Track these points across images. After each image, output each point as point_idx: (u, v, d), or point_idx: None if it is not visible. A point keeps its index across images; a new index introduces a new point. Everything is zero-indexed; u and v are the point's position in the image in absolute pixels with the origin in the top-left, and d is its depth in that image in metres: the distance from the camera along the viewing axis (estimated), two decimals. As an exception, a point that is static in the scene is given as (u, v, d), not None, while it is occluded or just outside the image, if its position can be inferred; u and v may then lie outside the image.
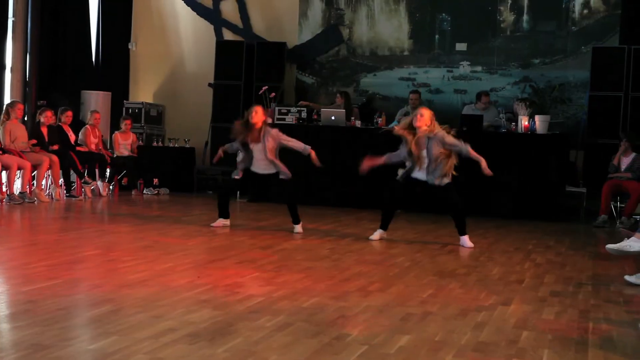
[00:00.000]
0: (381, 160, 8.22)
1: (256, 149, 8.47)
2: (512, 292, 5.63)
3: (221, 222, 8.68)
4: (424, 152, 7.84)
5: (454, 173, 7.89)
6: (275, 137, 8.49)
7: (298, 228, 8.59)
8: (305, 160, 11.70)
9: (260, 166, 8.52)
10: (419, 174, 7.93)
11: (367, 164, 8.28)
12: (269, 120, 8.85)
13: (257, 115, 8.47)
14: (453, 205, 8.01)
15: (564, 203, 11.29)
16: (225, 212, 8.72)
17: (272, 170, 8.52)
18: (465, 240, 7.95)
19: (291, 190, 8.77)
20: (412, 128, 7.88)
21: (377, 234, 8.19)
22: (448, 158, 7.80)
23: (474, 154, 7.81)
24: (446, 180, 7.84)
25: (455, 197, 7.96)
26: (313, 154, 8.59)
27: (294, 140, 8.67)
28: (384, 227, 8.23)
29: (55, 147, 11.19)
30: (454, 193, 7.96)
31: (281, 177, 8.50)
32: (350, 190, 11.58)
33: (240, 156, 8.68)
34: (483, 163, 7.76)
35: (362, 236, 8.40)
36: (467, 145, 7.83)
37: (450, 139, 7.79)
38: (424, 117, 7.83)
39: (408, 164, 7.99)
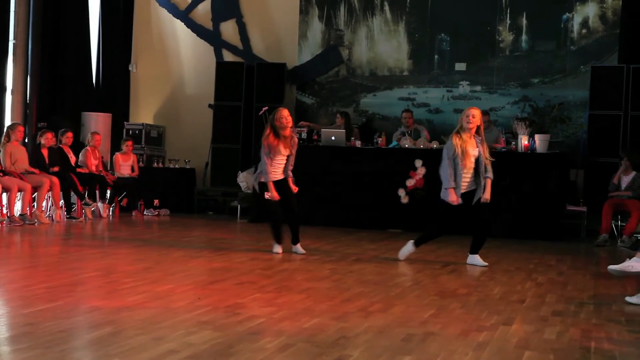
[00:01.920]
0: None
1: (280, 156, 8.35)
2: (513, 311, 5.61)
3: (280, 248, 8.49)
4: (475, 154, 7.76)
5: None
6: (294, 146, 8.44)
7: (301, 248, 8.52)
8: (302, 179, 11.77)
9: (275, 174, 8.38)
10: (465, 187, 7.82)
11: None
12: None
13: (289, 120, 8.35)
14: (486, 222, 8.10)
15: (565, 222, 11.29)
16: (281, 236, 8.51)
17: (283, 176, 8.40)
18: (479, 258, 8.03)
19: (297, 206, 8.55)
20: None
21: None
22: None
23: (488, 183, 7.89)
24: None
25: (489, 213, 8.07)
26: (291, 180, 8.46)
27: (293, 158, 8.51)
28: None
29: (56, 168, 11.20)
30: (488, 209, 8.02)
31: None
32: (350, 211, 11.58)
33: (257, 170, 8.57)
34: (487, 191, 7.87)
35: (363, 256, 8.39)
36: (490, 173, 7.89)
37: (488, 154, 7.89)
38: (476, 118, 7.76)
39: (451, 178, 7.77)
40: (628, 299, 6.16)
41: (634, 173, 10.94)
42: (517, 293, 6.43)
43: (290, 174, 8.45)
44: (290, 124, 8.35)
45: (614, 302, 6.17)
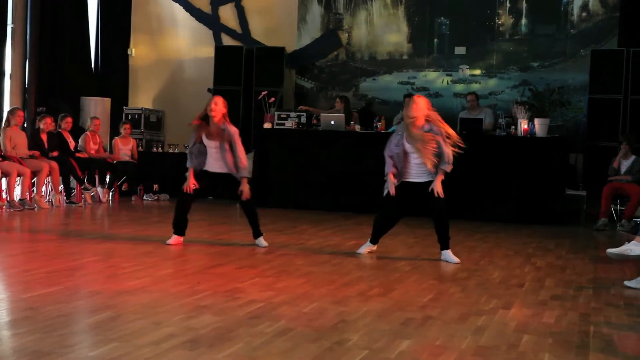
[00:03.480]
0: (391, 169, 7.17)
1: (212, 146, 7.51)
2: (512, 295, 5.62)
3: (176, 239, 7.62)
4: (418, 145, 6.97)
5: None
6: (232, 138, 7.50)
7: (262, 241, 7.70)
8: (301, 164, 11.79)
9: (215, 165, 7.56)
10: (413, 175, 7.11)
11: (393, 184, 7.17)
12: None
13: (217, 107, 7.44)
14: (438, 207, 7.10)
15: (564, 206, 11.29)
16: (183, 227, 7.65)
17: (225, 171, 7.55)
18: (449, 254, 7.19)
19: (252, 195, 7.69)
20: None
21: (366, 248, 7.50)
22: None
23: (448, 164, 7.01)
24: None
25: (442, 199, 7.09)
26: (245, 182, 7.52)
27: (243, 152, 7.55)
28: (374, 240, 7.52)
29: (55, 153, 11.19)
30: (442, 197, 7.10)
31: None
32: (349, 195, 11.58)
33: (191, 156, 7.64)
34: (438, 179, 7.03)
35: (362, 241, 8.38)
36: (449, 163, 7.02)
37: (442, 141, 6.99)
38: (419, 105, 7.01)
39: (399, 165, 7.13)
40: (627, 282, 6.17)
41: (633, 157, 10.94)
42: (516, 277, 6.44)
43: (245, 173, 7.51)
44: (216, 113, 7.41)
45: (613, 286, 6.18)
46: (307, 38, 14.12)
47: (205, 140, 7.55)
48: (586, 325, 4.76)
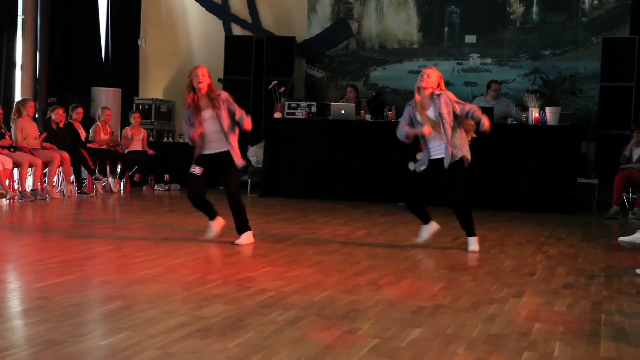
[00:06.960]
0: (410, 131, 7.00)
1: (207, 116, 7.20)
2: (524, 284, 5.62)
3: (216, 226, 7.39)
4: (431, 113, 6.89)
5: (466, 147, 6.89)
6: (226, 103, 7.18)
7: (245, 238, 7.13)
8: (312, 153, 11.77)
9: (212, 145, 7.28)
10: (436, 152, 6.91)
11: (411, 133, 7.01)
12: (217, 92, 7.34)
13: (204, 79, 7.27)
14: (455, 190, 6.95)
15: (576, 195, 11.25)
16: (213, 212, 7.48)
17: (224, 148, 7.23)
18: (475, 242, 7.13)
19: (235, 185, 7.43)
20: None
21: (426, 232, 7.26)
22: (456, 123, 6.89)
23: (479, 113, 6.81)
24: (459, 154, 6.85)
25: (461, 183, 6.96)
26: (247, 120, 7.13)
27: (241, 110, 7.20)
28: (426, 220, 7.28)
29: (50, 145, 11.08)
30: (462, 177, 6.95)
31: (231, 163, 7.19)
32: (360, 184, 11.57)
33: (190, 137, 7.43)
34: (486, 122, 6.78)
35: (373, 230, 8.39)
36: (474, 106, 6.93)
37: (457, 100, 6.95)
38: (431, 78, 7.01)
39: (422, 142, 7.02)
40: (638, 271, 6.15)
41: (645, 145, 10.89)
42: (527, 266, 6.43)
43: (247, 120, 7.11)
44: (203, 85, 7.23)
45: (625, 274, 6.16)
46: (317, 27, 14.09)
47: (201, 115, 7.23)
48: (598, 313, 4.75)
